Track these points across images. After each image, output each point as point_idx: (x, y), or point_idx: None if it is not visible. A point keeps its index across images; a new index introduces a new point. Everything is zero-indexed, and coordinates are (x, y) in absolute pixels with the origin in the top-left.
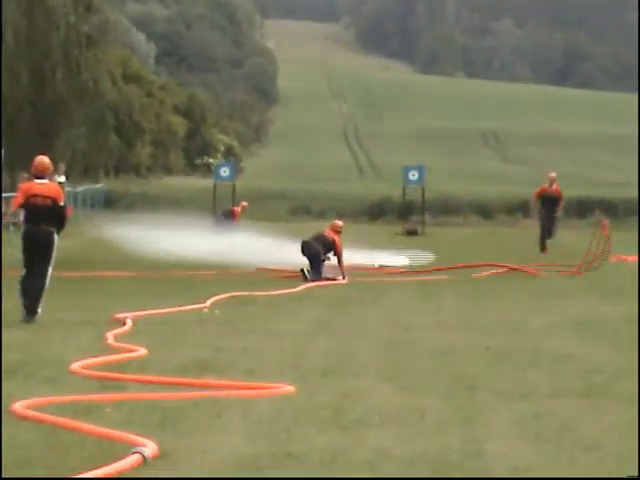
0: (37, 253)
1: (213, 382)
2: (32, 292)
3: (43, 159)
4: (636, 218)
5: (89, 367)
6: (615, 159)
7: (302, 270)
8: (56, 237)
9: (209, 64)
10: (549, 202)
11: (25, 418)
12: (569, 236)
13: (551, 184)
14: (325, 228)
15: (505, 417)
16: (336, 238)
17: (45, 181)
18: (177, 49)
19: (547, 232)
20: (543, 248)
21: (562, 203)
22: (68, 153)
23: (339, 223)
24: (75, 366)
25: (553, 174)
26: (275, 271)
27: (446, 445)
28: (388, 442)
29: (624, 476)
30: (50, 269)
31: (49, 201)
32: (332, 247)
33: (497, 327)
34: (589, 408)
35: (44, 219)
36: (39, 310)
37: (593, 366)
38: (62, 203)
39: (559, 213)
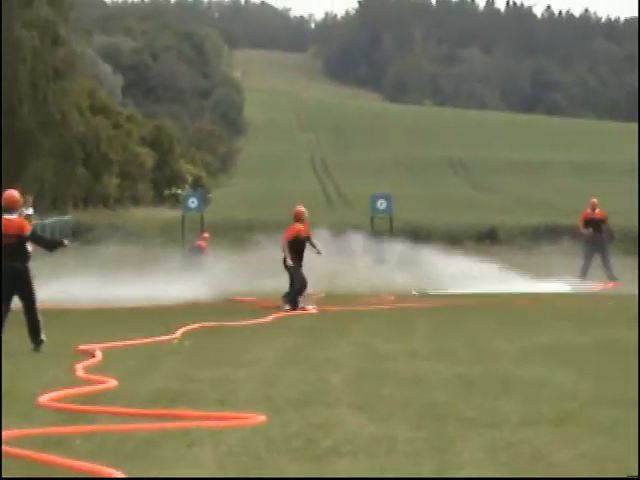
0: (14, 291)
1: (184, 413)
2: (29, 328)
3: (12, 193)
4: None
5: (58, 399)
6: (584, 185)
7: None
8: (28, 271)
9: (176, 95)
10: (594, 226)
11: None
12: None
13: (594, 209)
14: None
15: (477, 446)
16: (296, 228)
17: (13, 216)
18: (144, 80)
19: (605, 261)
20: (584, 274)
21: (607, 226)
22: (36, 185)
23: (300, 209)
24: (44, 399)
25: (594, 199)
26: (248, 302)
27: (418, 474)
28: (360, 472)
29: (624, 476)
30: (35, 303)
31: (14, 239)
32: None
33: (467, 354)
34: (561, 436)
35: (11, 256)
36: (43, 338)
37: (564, 393)
38: (28, 233)
39: (605, 235)
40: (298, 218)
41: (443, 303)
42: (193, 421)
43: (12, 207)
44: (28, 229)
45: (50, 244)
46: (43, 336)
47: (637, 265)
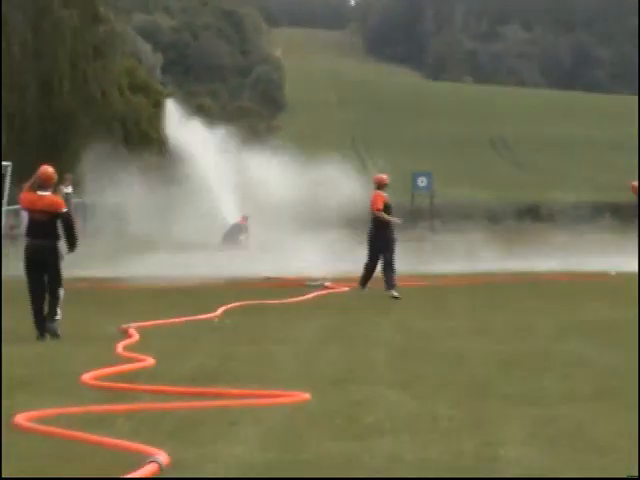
0: (41, 269)
1: (225, 391)
2: (46, 309)
3: (47, 169)
4: None
5: (99, 378)
6: (624, 161)
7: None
8: (60, 249)
9: (216, 73)
10: None
11: (29, 430)
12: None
13: None
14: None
15: (517, 422)
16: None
17: (46, 193)
18: (183, 58)
19: None
20: None
21: None
22: (76, 164)
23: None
24: (86, 377)
25: None
26: (283, 280)
27: (459, 451)
28: (401, 449)
29: (626, 476)
30: (60, 284)
31: (46, 215)
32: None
33: (508, 332)
34: (601, 412)
35: (42, 233)
36: (58, 317)
37: (604, 369)
38: (64, 210)
39: None
40: (382, 185)
41: (480, 281)
42: (234, 399)
43: (46, 183)
44: (62, 207)
45: (71, 238)
46: (59, 316)
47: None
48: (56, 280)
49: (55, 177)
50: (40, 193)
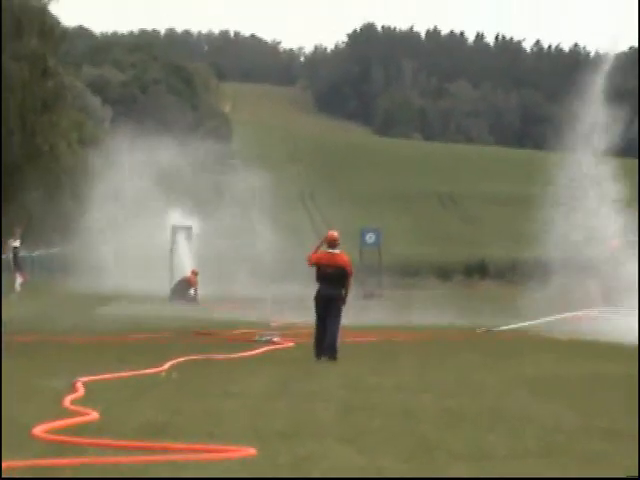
0: None
1: (171, 445)
2: None
3: None
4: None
5: (49, 431)
6: (574, 219)
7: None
8: None
9: (165, 127)
10: None
11: None
12: None
13: None
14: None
15: (465, 479)
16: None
17: None
18: (133, 113)
19: None
20: None
21: None
22: (24, 218)
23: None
24: (37, 430)
25: None
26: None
27: None
28: None
29: (624, 476)
30: None
31: None
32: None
33: (456, 388)
34: (548, 467)
35: None
36: None
37: (550, 425)
38: None
39: None
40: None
41: (428, 337)
42: (181, 454)
43: None
44: None
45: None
46: None
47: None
48: None
49: None
50: None
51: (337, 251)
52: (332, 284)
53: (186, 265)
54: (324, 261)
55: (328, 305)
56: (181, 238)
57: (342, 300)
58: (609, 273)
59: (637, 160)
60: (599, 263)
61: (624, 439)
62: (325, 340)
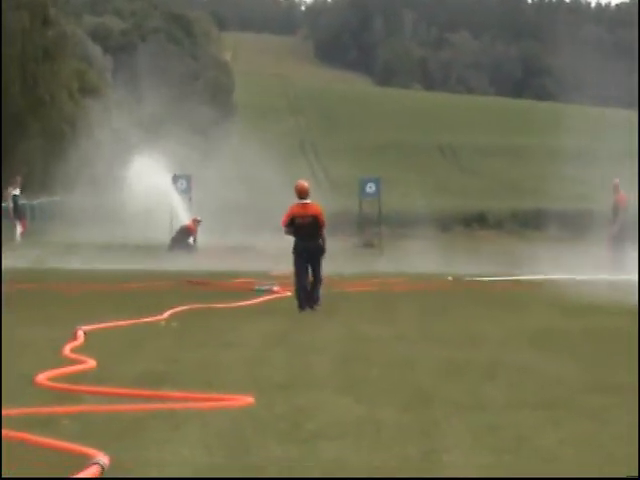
0: None
1: (170, 394)
2: None
3: None
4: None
5: (50, 379)
6: (574, 171)
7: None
8: None
9: (165, 77)
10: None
11: None
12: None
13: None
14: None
15: (462, 429)
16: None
17: None
18: (133, 62)
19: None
20: None
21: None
22: (25, 166)
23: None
24: (40, 378)
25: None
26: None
27: (404, 457)
28: (346, 454)
29: (624, 476)
30: None
31: None
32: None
33: (455, 339)
34: (546, 420)
35: None
36: None
37: (551, 378)
38: None
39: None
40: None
41: (427, 287)
42: (180, 402)
43: None
44: None
45: None
46: None
47: (637, 255)
48: None
49: None
50: None
51: (308, 201)
52: (308, 235)
53: (181, 214)
54: (297, 212)
55: (308, 257)
56: (178, 187)
57: (321, 250)
58: (617, 223)
59: (637, 112)
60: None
61: (625, 394)
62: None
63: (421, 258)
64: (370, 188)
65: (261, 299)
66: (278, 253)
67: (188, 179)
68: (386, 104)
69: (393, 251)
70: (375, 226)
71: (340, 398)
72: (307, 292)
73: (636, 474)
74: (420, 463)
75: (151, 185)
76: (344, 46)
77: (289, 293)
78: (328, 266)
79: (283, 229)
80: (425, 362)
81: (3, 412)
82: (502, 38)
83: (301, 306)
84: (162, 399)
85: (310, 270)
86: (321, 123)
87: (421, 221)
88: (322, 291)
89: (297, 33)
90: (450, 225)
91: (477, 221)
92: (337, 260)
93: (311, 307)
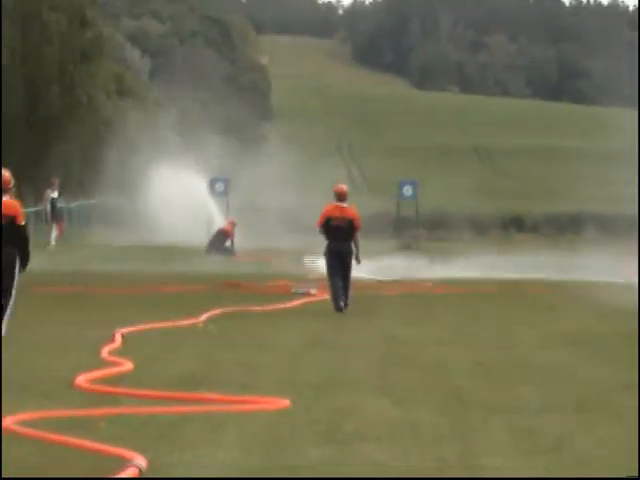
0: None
1: (207, 396)
2: None
3: (4, 173)
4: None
5: (92, 381)
6: (611, 174)
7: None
8: (17, 259)
9: (203, 80)
10: None
11: (15, 433)
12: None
13: None
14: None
15: (499, 432)
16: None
17: (4, 197)
18: (171, 65)
19: None
20: None
21: None
22: (62, 168)
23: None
24: (80, 380)
25: None
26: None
27: (441, 459)
28: (383, 456)
29: (624, 476)
30: (12, 294)
31: (7, 219)
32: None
33: (491, 342)
34: (582, 422)
35: (4, 240)
36: (3, 332)
37: (586, 381)
38: (22, 222)
39: None
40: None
41: (464, 290)
42: (217, 405)
43: (4, 187)
44: (19, 215)
45: (25, 255)
46: (4, 330)
47: (637, 258)
48: (7, 288)
49: (12, 181)
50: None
51: (345, 205)
52: (342, 238)
53: (218, 217)
54: (333, 214)
55: (339, 259)
56: (215, 190)
57: (352, 253)
58: None
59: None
60: None
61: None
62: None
63: (458, 261)
64: (407, 191)
65: (298, 302)
66: (315, 255)
67: (226, 182)
68: (423, 106)
69: (431, 254)
70: (413, 228)
71: (377, 400)
72: (341, 293)
73: (636, 474)
74: (457, 465)
75: (188, 188)
76: (381, 49)
77: (326, 296)
78: (366, 269)
79: (318, 229)
80: (462, 364)
81: (42, 414)
82: (539, 41)
83: (338, 307)
84: (199, 401)
85: (340, 273)
86: (358, 125)
87: (458, 224)
88: (351, 293)
89: (335, 36)
90: (487, 228)
91: (514, 224)
92: (375, 262)
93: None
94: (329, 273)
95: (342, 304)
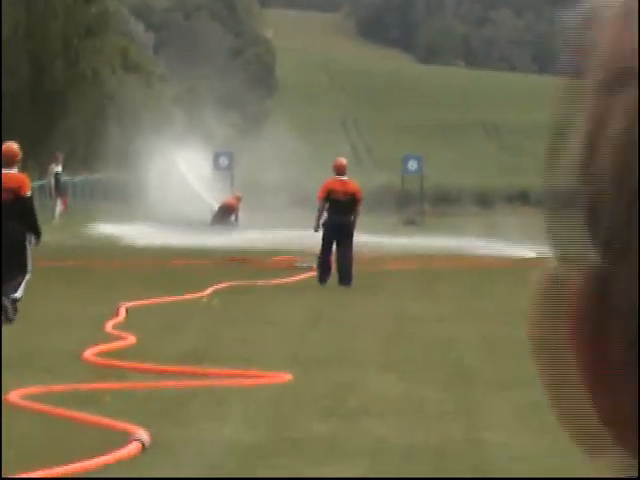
0: (5, 252)
1: (211, 371)
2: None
3: (12, 146)
4: None
5: (100, 354)
6: None
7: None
8: (26, 235)
9: (207, 54)
10: None
11: (20, 407)
12: None
13: None
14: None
15: (504, 407)
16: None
17: (12, 171)
18: (175, 39)
19: None
20: None
21: None
22: (66, 143)
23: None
24: (88, 354)
25: None
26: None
27: (446, 435)
28: (388, 431)
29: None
30: (26, 276)
31: (11, 193)
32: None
33: (496, 317)
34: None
35: (6, 214)
36: (17, 296)
37: None
38: (28, 193)
39: None
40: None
41: (468, 265)
42: (221, 379)
43: (9, 161)
44: (27, 189)
45: (34, 226)
46: (19, 294)
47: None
48: (16, 269)
49: (19, 154)
50: (4, 172)
51: (345, 178)
52: (343, 211)
53: (221, 191)
54: (336, 188)
55: (340, 232)
56: (219, 164)
57: (353, 226)
58: None
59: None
60: None
61: None
62: (339, 267)
63: (463, 235)
64: (412, 165)
65: (302, 276)
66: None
67: (230, 156)
68: (428, 81)
69: (435, 228)
70: (417, 203)
71: (382, 376)
72: (330, 266)
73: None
74: (462, 441)
75: (192, 162)
76: (387, 24)
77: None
78: (370, 243)
79: (318, 202)
80: (467, 340)
81: (48, 388)
82: (545, 16)
83: (322, 280)
84: (203, 376)
85: (340, 246)
86: (363, 100)
87: (463, 198)
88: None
89: (340, 10)
90: (492, 202)
91: (519, 198)
92: (379, 237)
93: (347, 284)
94: (323, 246)
95: (327, 279)
